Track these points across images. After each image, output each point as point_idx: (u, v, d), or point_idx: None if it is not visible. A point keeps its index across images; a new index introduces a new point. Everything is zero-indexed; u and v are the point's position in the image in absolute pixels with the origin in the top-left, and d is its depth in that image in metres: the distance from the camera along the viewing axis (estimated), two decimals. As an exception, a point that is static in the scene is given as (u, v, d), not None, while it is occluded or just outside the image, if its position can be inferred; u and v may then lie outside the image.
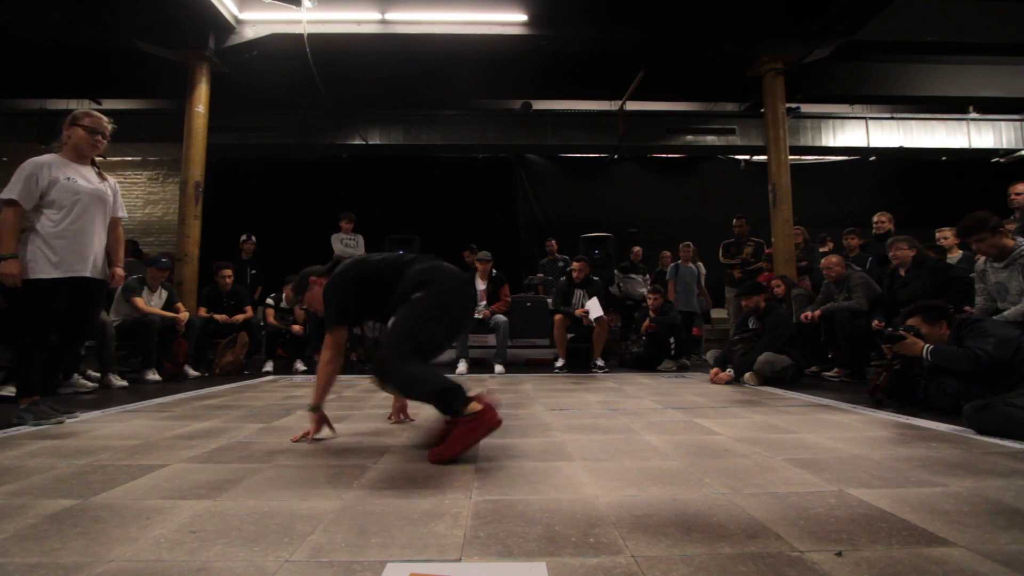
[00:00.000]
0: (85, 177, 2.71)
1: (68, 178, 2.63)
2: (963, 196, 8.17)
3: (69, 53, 7.83)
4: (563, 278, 5.64)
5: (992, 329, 2.62)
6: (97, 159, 2.85)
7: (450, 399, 1.78)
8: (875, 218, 5.47)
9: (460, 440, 1.77)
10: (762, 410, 2.86)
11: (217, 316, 5.15)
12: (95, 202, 2.72)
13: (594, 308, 4.99)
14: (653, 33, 7.03)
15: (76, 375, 3.91)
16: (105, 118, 2.77)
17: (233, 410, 2.94)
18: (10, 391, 3.19)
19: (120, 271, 2.93)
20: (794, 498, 1.39)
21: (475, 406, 1.77)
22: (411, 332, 1.88)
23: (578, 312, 5.08)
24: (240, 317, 5.25)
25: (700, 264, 7.27)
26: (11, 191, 2.51)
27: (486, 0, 6.68)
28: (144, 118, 8.59)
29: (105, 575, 1.00)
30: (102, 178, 2.82)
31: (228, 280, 5.30)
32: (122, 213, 2.93)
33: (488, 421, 1.77)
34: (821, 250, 6.01)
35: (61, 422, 2.55)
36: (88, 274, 2.68)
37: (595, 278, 5.46)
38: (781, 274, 5.89)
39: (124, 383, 4.12)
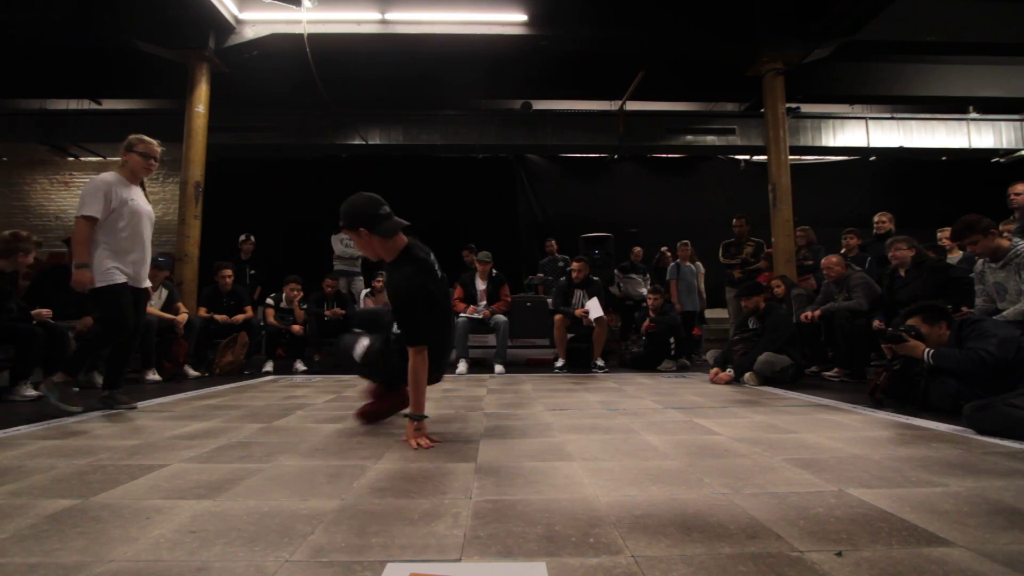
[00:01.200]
0: (140, 198, 3.05)
1: (132, 199, 2.97)
2: (963, 196, 8.17)
3: (69, 53, 7.83)
4: (563, 278, 5.64)
5: (993, 329, 2.61)
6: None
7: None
8: (876, 218, 5.46)
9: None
10: (762, 410, 2.86)
11: (217, 316, 5.15)
12: (148, 221, 3.08)
13: (594, 308, 4.99)
14: (653, 33, 7.03)
15: (94, 374, 4.07)
16: (155, 142, 3.07)
17: (233, 410, 2.94)
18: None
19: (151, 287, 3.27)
20: (794, 498, 1.39)
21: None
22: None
23: (578, 312, 5.08)
24: (240, 317, 5.25)
25: (699, 264, 7.28)
26: (91, 208, 2.81)
27: (486, 0, 6.68)
28: (144, 118, 8.58)
29: (105, 575, 1.00)
30: (148, 199, 3.17)
31: (228, 280, 5.30)
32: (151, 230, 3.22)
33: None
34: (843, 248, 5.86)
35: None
36: (141, 285, 3.05)
37: (595, 278, 5.46)
38: (781, 274, 5.89)
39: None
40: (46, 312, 3.66)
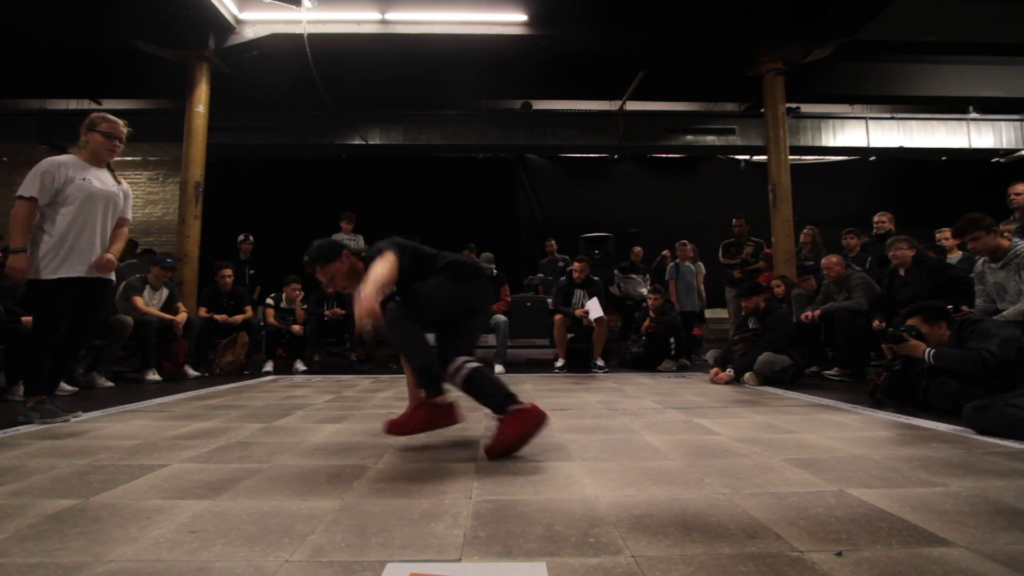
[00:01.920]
0: (100, 179, 2.76)
1: (84, 179, 2.68)
2: (963, 196, 8.17)
3: (69, 53, 7.83)
4: (563, 278, 5.64)
5: (994, 329, 2.61)
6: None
7: (426, 380, 1.88)
8: (876, 218, 5.46)
9: (514, 432, 1.79)
10: (762, 410, 2.86)
11: (217, 317, 5.15)
12: (106, 204, 2.76)
13: (594, 308, 4.99)
14: (653, 33, 7.03)
15: (95, 374, 4.02)
16: (121, 122, 2.83)
17: (233, 410, 2.94)
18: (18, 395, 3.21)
19: (109, 256, 2.81)
20: (794, 498, 1.39)
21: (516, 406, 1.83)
22: (426, 304, 1.97)
23: (578, 312, 5.08)
24: (240, 317, 5.25)
25: (700, 264, 7.27)
26: (29, 188, 2.56)
27: (486, 0, 6.68)
28: (144, 118, 8.55)
29: (105, 575, 1.00)
30: (117, 182, 2.87)
31: (228, 280, 5.31)
32: (128, 215, 2.97)
33: (536, 416, 1.82)
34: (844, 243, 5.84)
35: (67, 420, 2.59)
36: (92, 275, 2.71)
37: (595, 278, 5.46)
38: (781, 274, 5.89)
39: (110, 384, 4.12)
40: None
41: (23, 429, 2.39)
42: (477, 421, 2.57)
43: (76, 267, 2.64)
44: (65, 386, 3.77)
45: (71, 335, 2.76)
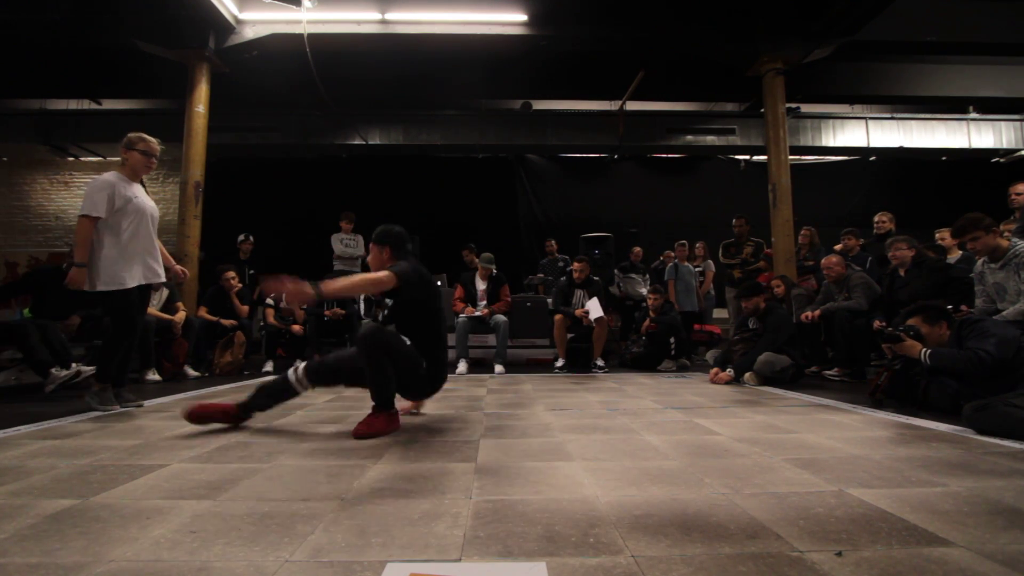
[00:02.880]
0: (142, 195, 3.07)
1: (135, 196, 2.99)
2: (963, 196, 8.17)
3: (69, 53, 7.83)
4: (563, 278, 5.64)
5: (993, 329, 2.61)
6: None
7: (385, 400, 2.38)
8: (876, 218, 5.46)
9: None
10: (762, 410, 2.86)
11: (224, 321, 5.13)
12: (151, 218, 3.09)
13: (594, 308, 4.99)
14: (653, 33, 7.03)
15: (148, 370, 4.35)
16: (155, 141, 3.10)
17: (233, 410, 2.94)
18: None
19: (181, 268, 3.42)
20: (794, 498, 1.39)
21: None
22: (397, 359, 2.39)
23: (578, 312, 5.07)
24: (228, 322, 5.23)
25: (710, 262, 7.28)
26: (95, 209, 2.82)
27: (486, 0, 6.68)
28: (144, 118, 8.58)
29: (105, 575, 1.00)
30: (148, 195, 3.17)
31: (234, 282, 5.33)
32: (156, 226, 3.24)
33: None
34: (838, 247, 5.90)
35: (116, 409, 2.90)
36: (143, 282, 3.04)
37: (595, 278, 5.46)
38: (781, 274, 5.89)
39: (158, 377, 4.33)
40: None
41: (23, 429, 2.39)
42: (476, 422, 2.57)
43: (140, 275, 2.98)
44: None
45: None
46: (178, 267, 3.37)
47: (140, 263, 2.98)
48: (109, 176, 2.95)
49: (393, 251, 2.56)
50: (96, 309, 4.02)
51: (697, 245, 7.32)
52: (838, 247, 5.50)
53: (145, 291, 3.11)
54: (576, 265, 5.38)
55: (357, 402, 3.25)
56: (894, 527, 1.19)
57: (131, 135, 3.04)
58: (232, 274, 5.34)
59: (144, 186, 3.16)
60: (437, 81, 8.41)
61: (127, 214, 2.92)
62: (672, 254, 7.31)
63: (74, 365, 3.69)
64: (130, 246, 2.93)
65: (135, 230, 2.95)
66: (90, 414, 2.79)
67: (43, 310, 4.02)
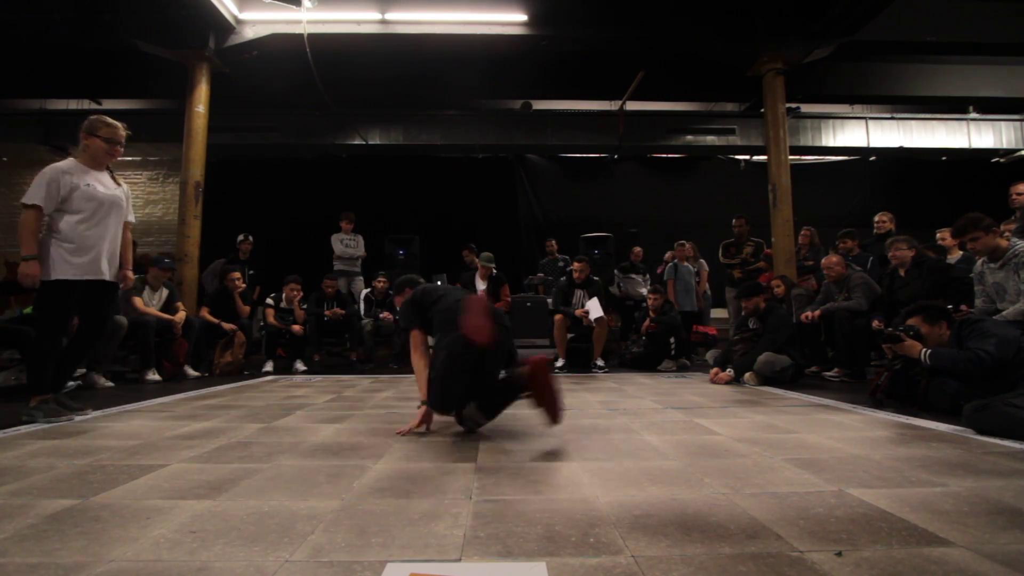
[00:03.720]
0: (103, 183, 2.80)
1: (88, 184, 2.72)
2: (963, 196, 8.17)
3: (69, 53, 7.83)
4: (563, 278, 5.64)
5: (993, 329, 2.61)
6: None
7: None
8: (876, 218, 5.46)
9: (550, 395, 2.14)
10: (762, 410, 2.86)
11: (226, 325, 5.13)
12: (112, 207, 2.81)
13: (594, 308, 4.99)
14: (653, 33, 7.03)
15: (95, 374, 4.04)
16: (121, 126, 2.86)
17: (233, 410, 2.94)
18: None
19: (131, 273, 3.02)
20: (794, 498, 1.39)
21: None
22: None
23: (578, 312, 5.07)
24: (227, 326, 5.23)
25: (702, 262, 7.26)
26: (34, 196, 2.60)
27: (486, 0, 6.68)
28: (144, 118, 8.57)
29: (105, 575, 1.00)
30: (117, 183, 2.91)
31: (238, 282, 5.33)
32: (131, 217, 3.01)
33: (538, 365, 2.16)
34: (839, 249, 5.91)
35: (71, 419, 2.62)
36: (103, 277, 2.77)
37: (595, 278, 5.46)
38: (781, 274, 5.88)
39: (110, 384, 4.14)
40: None
41: (23, 429, 2.39)
42: (477, 421, 2.57)
43: (84, 270, 2.69)
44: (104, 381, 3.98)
45: (80, 336, 2.82)
46: (127, 271, 2.96)
47: (87, 256, 2.68)
48: (61, 163, 2.72)
49: (410, 289, 2.68)
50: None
51: (687, 245, 7.26)
52: (840, 247, 5.50)
53: (104, 287, 2.80)
54: (576, 265, 5.38)
55: (357, 403, 3.25)
56: (894, 527, 1.19)
57: (93, 118, 2.80)
58: (236, 275, 5.35)
59: (112, 174, 2.89)
60: (437, 81, 8.41)
61: (75, 202, 2.66)
62: (673, 254, 7.31)
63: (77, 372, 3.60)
64: (75, 237, 2.66)
65: (85, 220, 2.68)
66: (91, 414, 2.78)
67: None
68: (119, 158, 2.97)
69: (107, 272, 2.79)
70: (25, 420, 2.54)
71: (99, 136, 2.78)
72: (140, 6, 6.42)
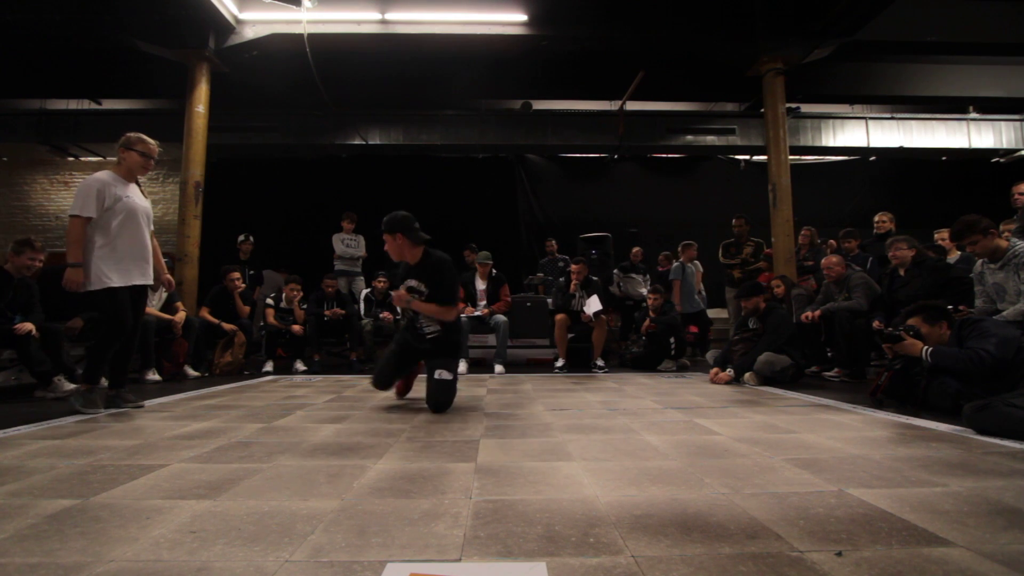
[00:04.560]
0: (136, 195, 3.04)
1: (127, 196, 2.95)
2: (963, 196, 8.19)
3: (69, 53, 7.83)
4: (563, 278, 5.64)
5: (994, 329, 2.61)
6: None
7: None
8: (876, 218, 5.46)
9: None
10: (762, 410, 2.86)
11: (226, 325, 5.12)
12: (144, 218, 3.05)
13: (593, 304, 4.98)
14: (653, 33, 7.04)
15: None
16: (154, 143, 3.08)
17: (233, 410, 2.94)
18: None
19: (171, 278, 3.41)
20: (794, 498, 1.39)
21: None
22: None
23: (583, 317, 5.09)
24: (228, 327, 5.23)
25: (697, 263, 7.27)
26: (85, 208, 2.80)
27: (486, 0, 6.68)
28: (144, 118, 8.58)
29: (105, 575, 1.00)
30: (144, 195, 3.14)
31: (238, 283, 5.33)
32: (151, 226, 3.20)
33: None
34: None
35: (99, 412, 2.84)
36: (142, 282, 3.02)
37: (594, 278, 5.46)
38: (781, 274, 5.88)
39: (158, 377, 4.34)
40: (27, 326, 3.50)
41: (24, 429, 2.39)
42: (476, 422, 2.57)
43: (133, 275, 2.95)
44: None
45: (129, 336, 3.05)
46: (167, 276, 3.34)
47: (130, 263, 2.93)
48: (101, 175, 2.91)
49: (405, 235, 2.83)
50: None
51: (694, 246, 7.26)
52: (843, 247, 5.51)
53: (142, 291, 3.07)
54: (574, 268, 5.36)
55: (357, 403, 3.25)
56: (894, 527, 1.19)
57: (130, 135, 3.02)
58: (236, 275, 5.35)
59: (140, 186, 3.13)
60: (437, 81, 8.41)
61: (116, 213, 2.88)
62: (680, 254, 7.31)
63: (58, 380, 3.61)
64: (119, 245, 2.89)
65: (125, 230, 2.91)
66: (100, 412, 2.78)
67: (46, 312, 3.95)
68: (118, 154, 3.05)
69: (144, 277, 3.03)
70: (71, 402, 2.86)
71: (136, 150, 2.98)
72: (140, 6, 6.42)
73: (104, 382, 3.01)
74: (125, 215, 2.91)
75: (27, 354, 3.50)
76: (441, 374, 2.84)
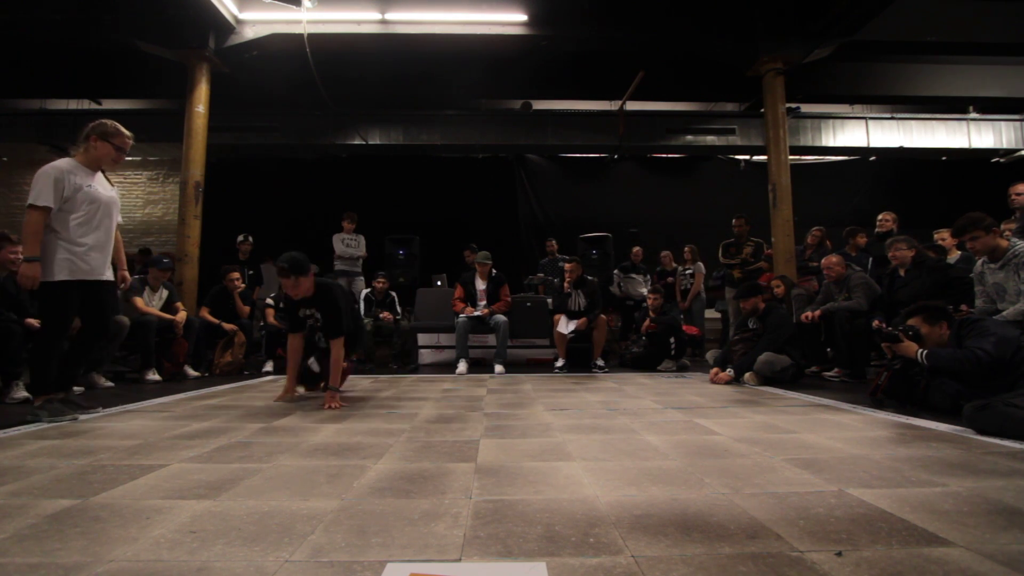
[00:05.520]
0: (101, 184, 2.81)
1: (90, 186, 2.72)
2: (963, 196, 8.17)
3: (69, 53, 7.84)
4: (558, 279, 5.66)
5: (993, 328, 2.61)
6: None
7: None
8: (879, 217, 5.46)
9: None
10: (762, 410, 2.86)
11: (225, 325, 5.12)
12: (110, 209, 2.82)
13: (570, 325, 5.08)
14: (653, 33, 7.04)
15: (95, 375, 4.02)
16: (130, 136, 2.90)
17: (233, 410, 2.94)
18: (25, 394, 3.31)
19: (128, 275, 3.11)
20: (794, 498, 1.39)
21: None
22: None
23: (556, 337, 5.16)
24: (228, 327, 5.22)
25: (700, 264, 7.26)
26: (42, 198, 2.57)
27: (486, 0, 6.68)
28: (144, 118, 8.59)
29: (105, 575, 1.00)
30: (111, 184, 2.92)
31: (237, 283, 5.33)
32: (120, 219, 2.99)
33: None
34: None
35: (76, 419, 2.62)
36: (103, 278, 2.78)
37: (590, 278, 5.45)
38: (781, 274, 5.88)
39: (110, 384, 4.12)
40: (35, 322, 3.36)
41: (24, 429, 2.39)
42: (476, 422, 2.57)
43: (84, 271, 2.68)
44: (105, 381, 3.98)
45: (82, 337, 2.82)
46: (124, 272, 3.04)
47: (92, 257, 2.69)
48: (60, 162, 2.67)
49: (307, 274, 3.15)
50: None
51: (686, 248, 7.25)
52: (856, 242, 5.51)
53: (107, 287, 2.81)
54: (567, 267, 5.36)
55: (357, 403, 3.25)
56: (894, 527, 1.19)
57: (106, 123, 2.79)
58: (236, 275, 5.35)
59: (106, 175, 2.88)
60: (437, 81, 8.41)
61: (78, 203, 2.65)
62: (669, 254, 7.31)
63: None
64: (77, 238, 2.65)
65: (86, 221, 2.68)
66: (91, 414, 2.78)
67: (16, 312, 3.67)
68: (91, 141, 2.89)
69: (106, 273, 2.80)
70: (30, 420, 2.54)
71: (112, 143, 2.78)
72: (140, 6, 6.42)
73: (78, 389, 2.80)
74: (88, 206, 2.68)
75: (10, 349, 3.32)
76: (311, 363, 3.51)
